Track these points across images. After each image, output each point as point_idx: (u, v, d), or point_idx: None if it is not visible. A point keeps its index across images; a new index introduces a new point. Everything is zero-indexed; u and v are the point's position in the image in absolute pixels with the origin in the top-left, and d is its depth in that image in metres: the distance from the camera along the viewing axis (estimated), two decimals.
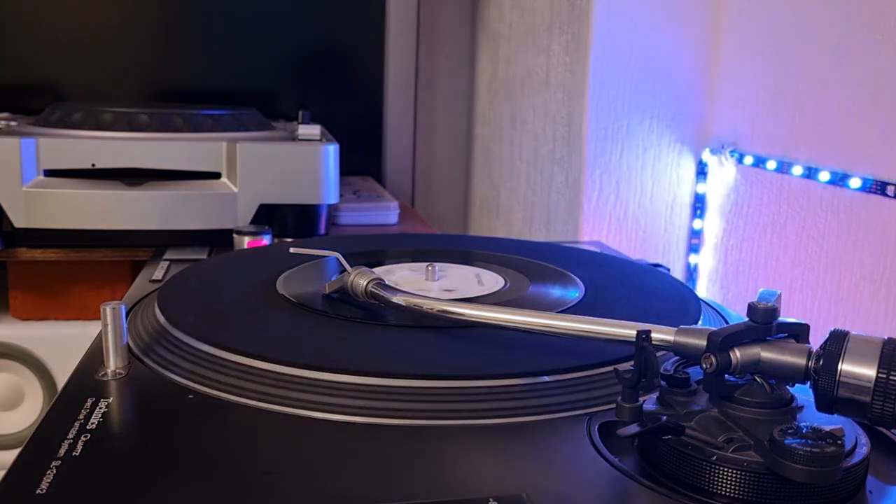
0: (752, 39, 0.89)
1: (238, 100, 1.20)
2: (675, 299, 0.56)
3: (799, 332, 0.36)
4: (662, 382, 0.37)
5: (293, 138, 0.87)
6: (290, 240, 0.80)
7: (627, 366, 0.36)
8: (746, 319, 0.36)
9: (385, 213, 1.02)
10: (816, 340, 0.35)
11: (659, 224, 0.98)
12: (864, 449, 0.33)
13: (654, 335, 0.38)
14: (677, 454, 0.34)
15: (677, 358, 0.39)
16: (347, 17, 1.25)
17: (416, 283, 0.57)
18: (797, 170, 0.81)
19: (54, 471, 0.33)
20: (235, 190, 0.82)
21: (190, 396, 0.41)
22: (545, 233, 1.07)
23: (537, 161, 1.09)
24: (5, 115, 0.97)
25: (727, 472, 0.32)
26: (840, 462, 0.30)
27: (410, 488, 0.33)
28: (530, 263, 0.64)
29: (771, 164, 0.85)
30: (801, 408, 0.35)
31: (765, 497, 0.32)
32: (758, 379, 0.36)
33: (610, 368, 0.42)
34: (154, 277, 0.65)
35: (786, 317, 0.36)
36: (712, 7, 0.94)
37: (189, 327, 0.46)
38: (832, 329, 0.34)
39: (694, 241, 0.99)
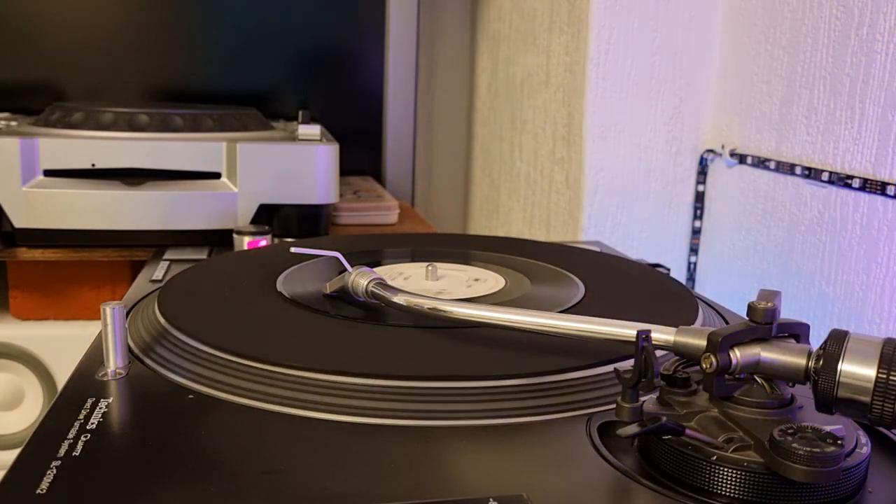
0: (753, 39, 0.89)
1: (238, 100, 1.20)
2: (675, 299, 0.56)
3: (799, 332, 0.36)
4: (662, 382, 0.37)
5: (293, 138, 0.87)
6: (290, 240, 0.80)
7: (627, 366, 0.36)
8: (746, 319, 0.36)
9: (385, 213, 1.01)
10: (816, 340, 0.35)
11: (659, 224, 0.98)
12: (864, 449, 0.33)
13: (654, 335, 0.38)
14: (677, 454, 0.34)
15: (677, 358, 0.39)
16: (347, 17, 1.25)
17: (416, 283, 0.58)
18: (797, 170, 0.81)
19: (54, 471, 0.33)
20: (235, 190, 0.82)
21: (190, 396, 0.41)
22: (545, 233, 1.07)
23: (537, 161, 1.09)
24: (5, 115, 0.97)
25: (727, 472, 0.32)
26: (840, 462, 0.30)
27: (410, 488, 0.33)
28: (530, 263, 0.64)
29: (770, 164, 0.85)
30: (800, 408, 0.35)
31: (765, 497, 0.32)
32: (758, 379, 0.36)
33: (610, 368, 0.42)
34: (154, 277, 0.65)
35: (785, 317, 0.36)
36: (712, 7, 0.94)
37: (189, 327, 0.46)
38: (832, 329, 0.34)
39: (694, 241, 0.99)
